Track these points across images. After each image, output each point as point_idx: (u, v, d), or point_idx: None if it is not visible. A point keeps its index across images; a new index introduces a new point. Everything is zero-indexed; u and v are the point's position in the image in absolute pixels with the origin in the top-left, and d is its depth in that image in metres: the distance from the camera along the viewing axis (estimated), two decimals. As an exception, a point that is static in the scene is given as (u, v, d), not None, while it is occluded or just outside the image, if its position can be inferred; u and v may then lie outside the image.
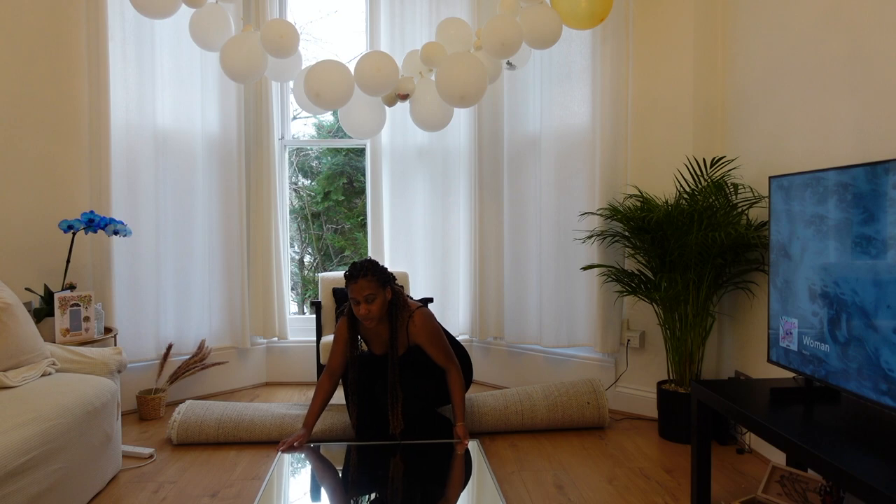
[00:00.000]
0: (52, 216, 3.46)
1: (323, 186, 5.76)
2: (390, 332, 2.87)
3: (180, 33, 3.78)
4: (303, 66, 3.60)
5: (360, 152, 5.40)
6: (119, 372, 2.81)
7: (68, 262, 3.29)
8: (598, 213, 3.50)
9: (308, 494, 2.47)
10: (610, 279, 3.34)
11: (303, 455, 2.84)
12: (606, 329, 3.56)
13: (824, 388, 2.18)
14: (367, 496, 2.41)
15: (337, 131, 5.48)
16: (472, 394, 3.48)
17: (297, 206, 5.82)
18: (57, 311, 3.05)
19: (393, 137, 4.20)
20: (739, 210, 2.99)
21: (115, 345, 3.34)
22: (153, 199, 3.74)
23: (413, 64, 3.51)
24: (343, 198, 5.76)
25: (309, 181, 5.91)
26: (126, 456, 2.93)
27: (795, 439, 1.73)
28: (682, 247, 3.01)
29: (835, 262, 1.95)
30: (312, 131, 5.83)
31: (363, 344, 3.08)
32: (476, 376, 4.31)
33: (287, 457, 2.82)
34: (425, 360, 2.95)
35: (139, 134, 3.67)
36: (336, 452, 2.89)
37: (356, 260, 2.85)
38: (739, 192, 3.10)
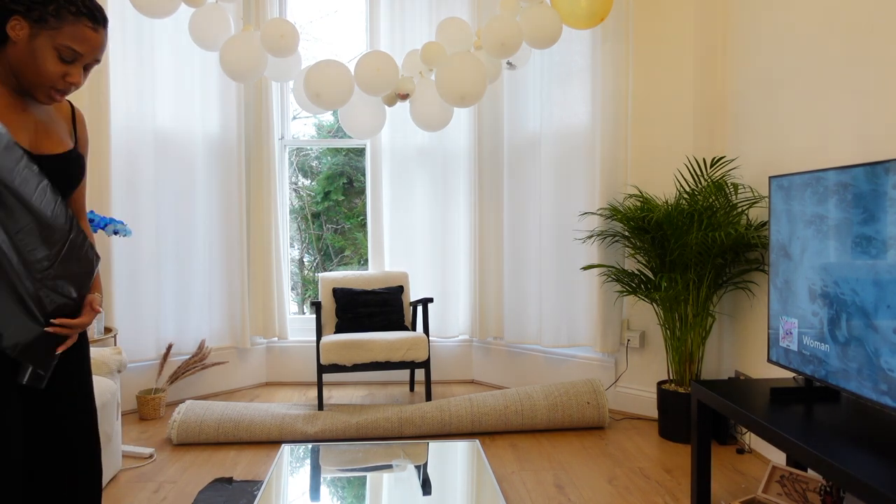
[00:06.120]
0: (52, 216, 3.46)
1: (323, 186, 5.76)
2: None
3: (180, 33, 3.78)
4: (303, 66, 3.60)
5: (360, 152, 5.40)
6: (119, 372, 2.81)
7: (68, 261, 3.29)
8: (598, 213, 3.50)
9: (307, 494, 2.47)
10: (610, 279, 3.34)
11: (303, 454, 2.84)
12: (606, 329, 3.56)
13: (824, 388, 2.18)
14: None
15: (337, 131, 5.48)
16: (472, 394, 3.48)
17: (297, 206, 5.81)
18: (57, 311, 3.04)
19: (393, 137, 4.19)
20: (739, 210, 2.99)
21: (115, 345, 3.34)
22: (153, 199, 3.73)
23: (413, 64, 3.50)
24: (343, 198, 5.75)
25: (309, 181, 5.91)
26: (126, 456, 2.93)
27: (795, 439, 1.73)
28: (682, 247, 3.01)
29: (835, 262, 1.95)
30: (312, 131, 5.82)
31: None
32: (476, 376, 4.31)
33: (287, 457, 2.82)
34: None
35: (139, 134, 3.67)
36: (336, 452, 2.89)
37: None
38: (739, 192, 3.10)
